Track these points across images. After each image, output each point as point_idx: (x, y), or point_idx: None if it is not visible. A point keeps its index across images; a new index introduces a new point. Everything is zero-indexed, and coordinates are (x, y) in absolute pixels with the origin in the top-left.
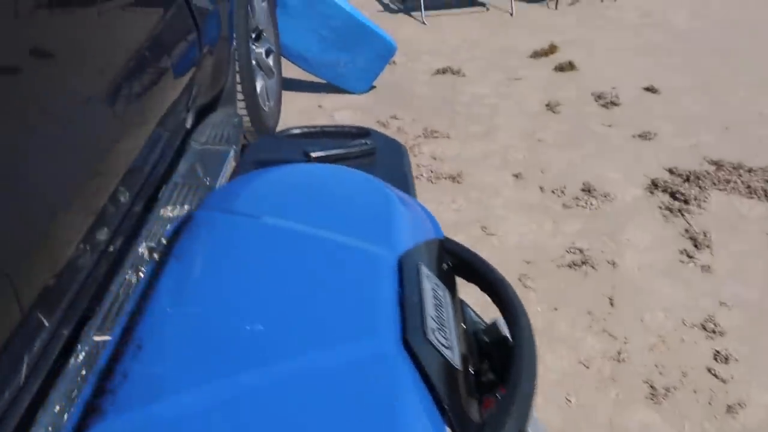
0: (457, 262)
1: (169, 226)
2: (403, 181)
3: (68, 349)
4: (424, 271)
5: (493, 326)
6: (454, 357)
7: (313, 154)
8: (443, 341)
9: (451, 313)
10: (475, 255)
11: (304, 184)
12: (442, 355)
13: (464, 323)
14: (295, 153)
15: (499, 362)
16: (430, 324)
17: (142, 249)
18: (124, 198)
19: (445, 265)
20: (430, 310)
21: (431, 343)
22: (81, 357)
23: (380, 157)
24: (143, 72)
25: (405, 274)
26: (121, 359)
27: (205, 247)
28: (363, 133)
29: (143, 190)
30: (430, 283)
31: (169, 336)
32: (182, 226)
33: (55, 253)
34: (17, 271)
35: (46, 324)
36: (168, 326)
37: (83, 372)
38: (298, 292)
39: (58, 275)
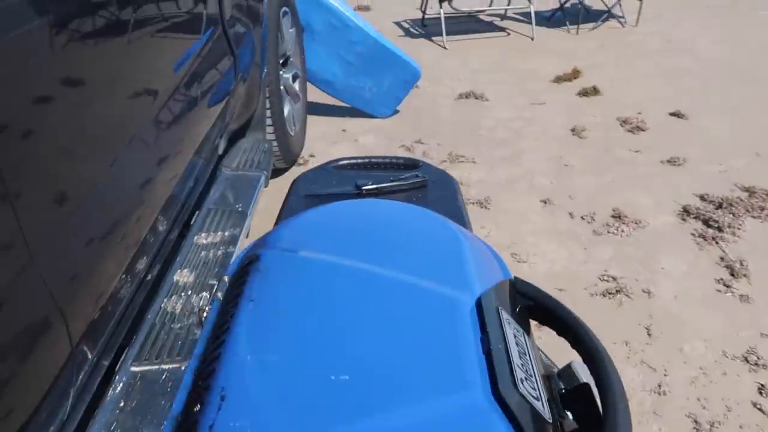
0: (531, 304)
1: (231, 263)
2: (459, 215)
3: (107, 380)
4: (504, 315)
5: (569, 370)
6: (544, 409)
7: (365, 188)
8: (532, 392)
9: (532, 360)
10: (548, 296)
11: (369, 221)
12: (533, 407)
13: (542, 368)
14: (346, 186)
15: (581, 409)
16: (519, 374)
17: (177, 276)
18: (162, 227)
19: (518, 308)
20: (515, 358)
21: (522, 395)
22: (119, 388)
23: (432, 189)
24: (184, 101)
25: (486, 318)
26: (204, 410)
27: (279, 290)
28: (413, 164)
29: (179, 217)
30: (511, 329)
31: (253, 386)
32: (249, 265)
33: (101, 285)
34: (69, 306)
35: (90, 356)
36: (251, 375)
37: (122, 404)
38: (381, 339)
39: (103, 307)
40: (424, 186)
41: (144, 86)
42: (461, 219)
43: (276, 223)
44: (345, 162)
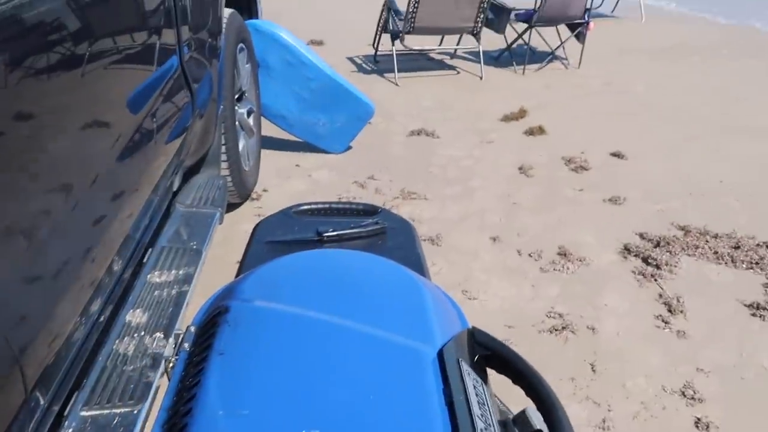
0: (488, 354)
1: (197, 312)
2: (418, 263)
3: (56, 425)
4: (464, 366)
5: (524, 416)
6: None
7: (326, 234)
8: None
9: (490, 408)
10: (504, 346)
11: (334, 272)
12: None
13: (499, 415)
14: (307, 232)
15: None
16: (479, 424)
17: (130, 317)
18: (116, 266)
19: (477, 357)
20: (475, 408)
21: None
22: None
23: (391, 236)
24: (141, 138)
25: (448, 370)
26: None
27: (248, 343)
28: (372, 210)
29: (133, 255)
30: (470, 379)
31: None
32: (218, 316)
33: (56, 328)
34: (24, 351)
35: (42, 401)
36: (224, 430)
37: None
38: (348, 392)
39: (57, 351)
40: (384, 233)
41: (99, 123)
42: (420, 267)
43: (239, 271)
44: (305, 207)
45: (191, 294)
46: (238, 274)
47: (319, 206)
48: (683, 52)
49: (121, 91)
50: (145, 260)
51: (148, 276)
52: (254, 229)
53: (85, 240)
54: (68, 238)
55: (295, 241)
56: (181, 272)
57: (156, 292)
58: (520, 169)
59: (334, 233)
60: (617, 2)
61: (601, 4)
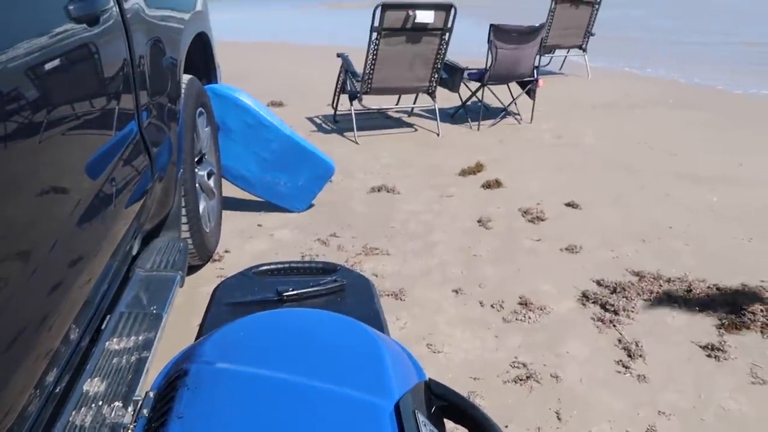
0: (445, 405)
1: (156, 377)
2: (376, 318)
3: None
4: (420, 418)
5: None
6: None
7: (286, 294)
8: None
9: None
10: (461, 397)
11: (292, 332)
12: None
13: None
14: (267, 292)
15: None
16: None
17: (87, 386)
18: (73, 334)
19: (434, 408)
20: None
21: None
22: None
23: (349, 293)
24: (100, 204)
25: (405, 423)
26: None
27: (208, 406)
28: (331, 268)
29: (91, 323)
30: (426, 430)
31: None
32: (177, 380)
33: (10, 403)
34: None
35: None
36: None
37: None
38: None
39: (10, 429)
40: (342, 290)
41: (56, 190)
42: (379, 321)
43: (199, 333)
44: (265, 268)
45: (151, 360)
46: (198, 337)
47: (279, 266)
48: (627, 105)
49: (79, 157)
50: (103, 327)
51: (107, 343)
52: (214, 291)
53: (40, 308)
54: (23, 306)
55: (256, 301)
56: (140, 338)
57: (115, 360)
58: (479, 221)
59: (294, 292)
60: (564, 60)
61: (549, 62)
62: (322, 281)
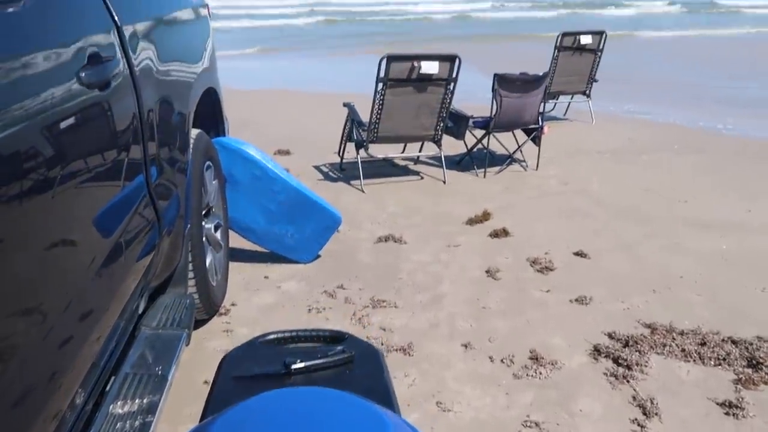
0: None
1: None
2: (386, 392)
3: None
4: None
5: None
6: None
7: (294, 366)
8: None
9: None
10: None
11: (300, 414)
12: None
13: None
14: (274, 364)
15: None
16: None
17: None
18: (79, 399)
19: None
20: None
21: None
22: None
23: (358, 364)
24: (107, 263)
25: None
26: None
27: None
28: (339, 337)
29: (96, 385)
30: None
31: None
32: None
33: None
34: None
35: None
36: None
37: None
38: None
39: None
40: (351, 361)
41: (64, 248)
42: (388, 396)
43: (205, 410)
44: (272, 337)
45: (156, 423)
46: (204, 414)
47: (286, 335)
48: (633, 150)
49: (86, 216)
50: (108, 389)
51: (111, 407)
52: (221, 364)
53: (47, 371)
54: (30, 370)
55: (263, 375)
56: (145, 401)
57: (119, 424)
58: (487, 272)
59: (302, 365)
60: (568, 106)
61: (553, 108)
62: (330, 352)
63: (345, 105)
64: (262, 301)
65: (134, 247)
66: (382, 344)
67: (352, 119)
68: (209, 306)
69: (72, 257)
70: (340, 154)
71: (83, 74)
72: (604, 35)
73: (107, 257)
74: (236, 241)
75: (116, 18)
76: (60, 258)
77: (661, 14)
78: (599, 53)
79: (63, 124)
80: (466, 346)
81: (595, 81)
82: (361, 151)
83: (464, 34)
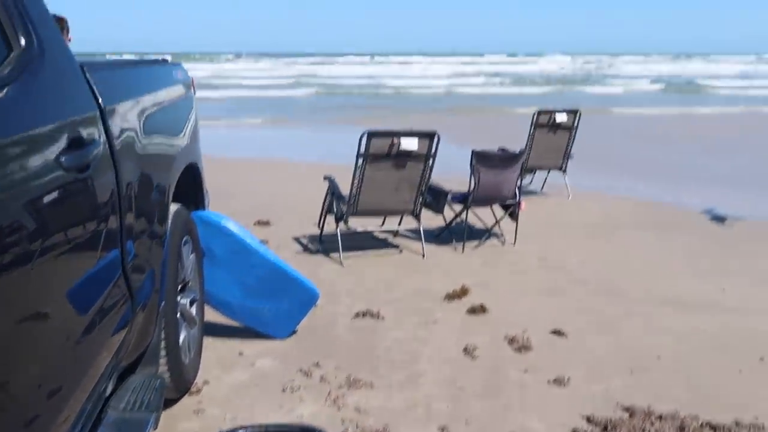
0: None
1: None
2: None
3: None
4: None
5: None
6: None
7: None
8: None
9: None
10: None
11: None
12: None
13: None
14: None
15: None
16: None
17: None
18: None
19: None
20: None
21: None
22: None
23: None
24: (76, 345)
25: None
26: None
27: None
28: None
29: None
30: None
31: None
32: None
33: None
34: None
35: None
36: None
37: None
38: None
39: None
40: None
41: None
42: None
43: None
44: None
45: None
46: None
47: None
48: (609, 226)
49: (58, 293)
50: None
51: None
52: None
53: None
54: None
55: None
56: None
57: None
58: (464, 350)
59: None
60: (545, 181)
61: (530, 182)
62: None
63: (326, 178)
64: (235, 380)
65: (106, 324)
66: (357, 427)
67: (333, 192)
68: (181, 385)
69: (41, 335)
70: (320, 226)
71: (63, 158)
72: (578, 113)
73: (78, 335)
74: (211, 315)
75: (100, 100)
76: (28, 336)
77: (643, 93)
78: (574, 131)
79: (40, 204)
80: (442, 430)
81: (571, 157)
82: (341, 224)
83: (449, 107)
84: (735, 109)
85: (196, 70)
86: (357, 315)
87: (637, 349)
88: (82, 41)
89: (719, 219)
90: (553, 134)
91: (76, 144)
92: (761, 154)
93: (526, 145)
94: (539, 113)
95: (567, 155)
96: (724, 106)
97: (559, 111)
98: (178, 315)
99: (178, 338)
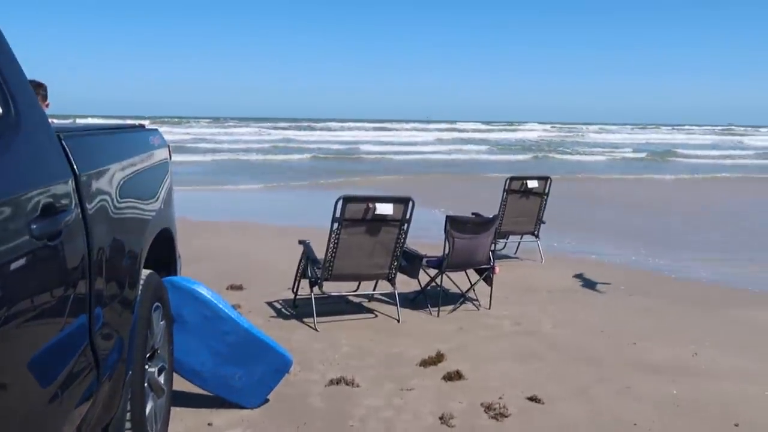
0: None
1: None
2: None
3: None
4: None
5: None
6: None
7: None
8: None
9: None
10: None
11: None
12: None
13: None
14: None
15: None
16: None
17: None
18: None
19: None
20: None
21: None
22: None
23: None
24: (38, 418)
25: None
26: None
27: None
28: None
29: None
30: None
31: None
32: None
33: None
34: None
35: None
36: None
37: None
38: None
39: None
40: None
41: None
42: None
43: None
44: None
45: None
46: None
47: None
48: (582, 290)
49: (20, 362)
50: None
51: None
52: None
53: None
54: None
55: None
56: None
57: None
58: (441, 418)
59: None
60: (518, 245)
61: (504, 247)
62: None
63: (300, 242)
64: None
65: (70, 396)
66: None
67: (308, 257)
68: None
69: (2, 404)
70: (294, 290)
71: (34, 226)
72: (549, 180)
73: (40, 407)
74: (179, 383)
75: (75, 167)
76: None
77: (623, 161)
78: (546, 196)
79: (5, 270)
80: None
81: (543, 222)
82: (315, 288)
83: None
84: (707, 176)
85: (173, 134)
86: (331, 382)
87: (613, 416)
88: (58, 105)
89: (687, 284)
90: (526, 200)
91: (49, 211)
92: (733, 221)
93: (499, 210)
94: (511, 179)
95: (539, 220)
96: (699, 173)
97: (531, 177)
98: (146, 385)
99: (145, 410)
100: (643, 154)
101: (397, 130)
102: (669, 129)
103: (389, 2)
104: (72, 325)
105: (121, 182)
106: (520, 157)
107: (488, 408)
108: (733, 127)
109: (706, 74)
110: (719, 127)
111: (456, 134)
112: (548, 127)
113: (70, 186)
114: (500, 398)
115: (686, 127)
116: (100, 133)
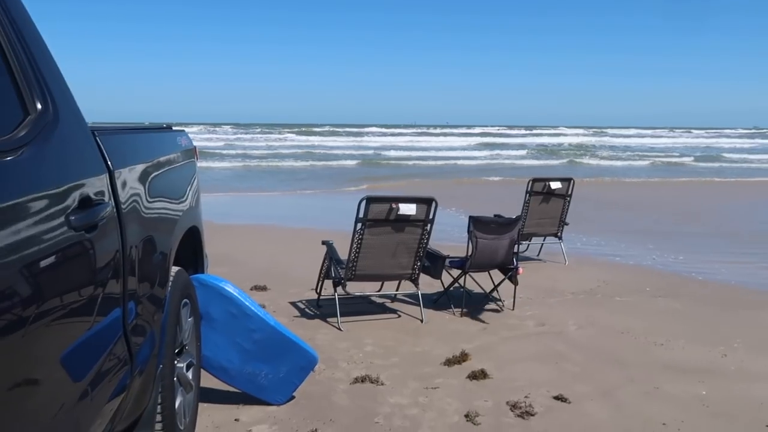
0: None
1: None
2: None
3: None
4: None
5: None
6: None
7: None
8: None
9: None
10: None
11: None
12: None
13: None
14: None
15: None
16: None
17: None
18: None
19: None
20: None
21: None
22: None
23: None
24: (74, 410)
25: None
26: None
27: None
28: None
29: None
30: None
31: None
32: None
33: None
34: None
35: None
36: None
37: None
38: None
39: None
40: None
41: (28, 389)
42: None
43: None
44: None
45: None
46: None
47: None
48: (606, 293)
49: (56, 355)
50: None
51: None
52: None
53: None
54: None
55: None
56: None
57: None
58: (466, 416)
59: None
60: (541, 247)
61: (527, 249)
62: None
63: (324, 243)
64: None
65: (104, 388)
66: None
67: (331, 257)
68: None
69: (38, 399)
70: (318, 290)
71: (72, 218)
72: (572, 182)
73: (75, 400)
74: (207, 379)
75: (110, 164)
76: (25, 400)
77: (671, 165)
78: (568, 198)
79: (45, 263)
80: None
81: (566, 224)
82: (339, 289)
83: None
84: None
85: (196, 140)
86: (356, 380)
87: (641, 417)
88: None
89: (714, 286)
90: (548, 201)
91: (86, 204)
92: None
93: (522, 211)
94: (534, 181)
95: (562, 222)
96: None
97: (554, 179)
98: (175, 379)
99: (174, 404)
100: (690, 158)
101: (435, 135)
102: (701, 132)
103: (405, 7)
104: (108, 317)
105: (152, 180)
106: (553, 161)
107: (514, 406)
108: (759, 129)
109: (731, 78)
110: (747, 130)
111: (490, 139)
112: (580, 131)
113: (104, 181)
114: (526, 397)
115: (714, 129)
116: (131, 132)
